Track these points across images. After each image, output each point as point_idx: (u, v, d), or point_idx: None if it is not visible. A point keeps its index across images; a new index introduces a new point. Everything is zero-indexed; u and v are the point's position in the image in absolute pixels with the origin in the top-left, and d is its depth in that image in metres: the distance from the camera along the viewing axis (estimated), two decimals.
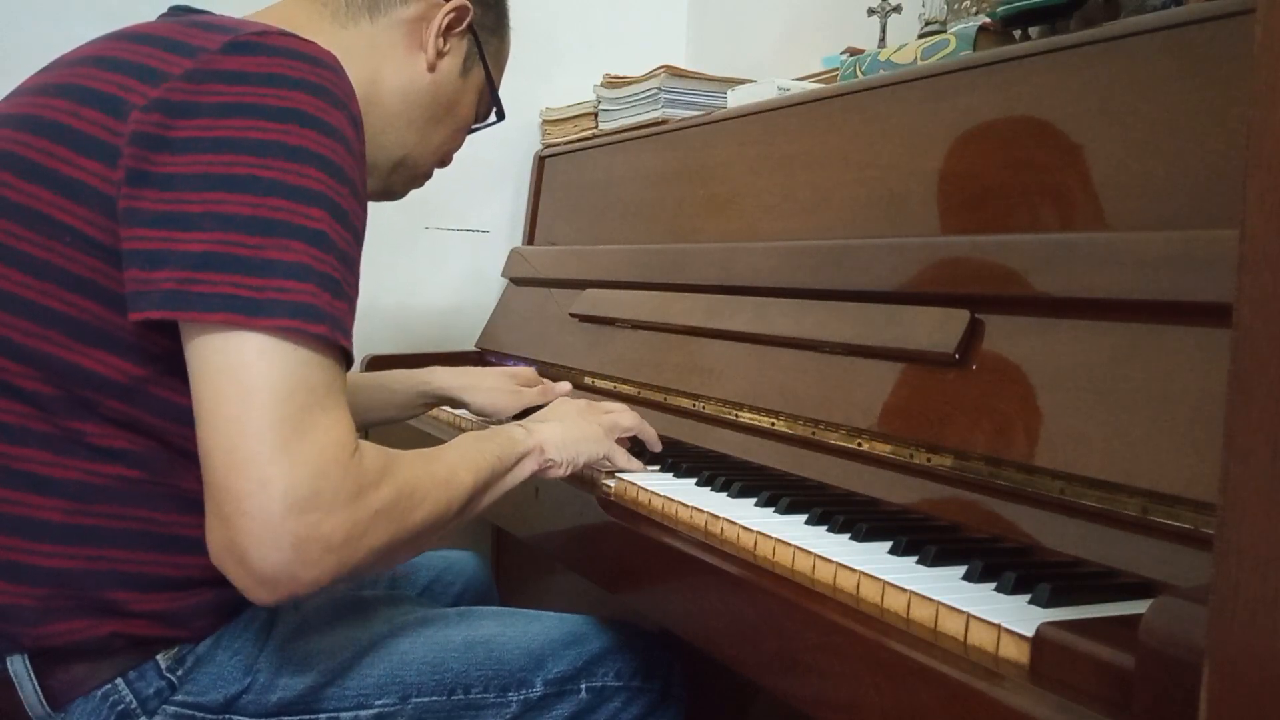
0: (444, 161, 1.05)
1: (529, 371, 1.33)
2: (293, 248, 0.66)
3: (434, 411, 1.42)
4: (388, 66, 0.93)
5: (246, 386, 0.64)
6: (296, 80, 0.69)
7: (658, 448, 1.06)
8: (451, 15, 0.95)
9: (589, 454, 0.95)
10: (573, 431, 0.94)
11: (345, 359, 0.70)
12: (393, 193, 1.03)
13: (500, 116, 1.07)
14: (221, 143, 0.67)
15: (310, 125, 0.68)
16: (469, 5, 0.96)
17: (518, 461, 0.87)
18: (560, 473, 0.93)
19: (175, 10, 0.84)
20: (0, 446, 0.71)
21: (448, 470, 0.77)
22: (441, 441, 0.83)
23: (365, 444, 0.69)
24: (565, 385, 1.30)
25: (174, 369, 0.69)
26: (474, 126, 1.06)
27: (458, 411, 1.38)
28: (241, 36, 0.70)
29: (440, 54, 0.96)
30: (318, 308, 0.65)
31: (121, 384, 0.71)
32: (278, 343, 0.64)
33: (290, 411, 0.64)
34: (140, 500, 0.73)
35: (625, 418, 1.02)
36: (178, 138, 0.67)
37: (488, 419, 1.29)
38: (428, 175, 1.05)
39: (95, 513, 0.72)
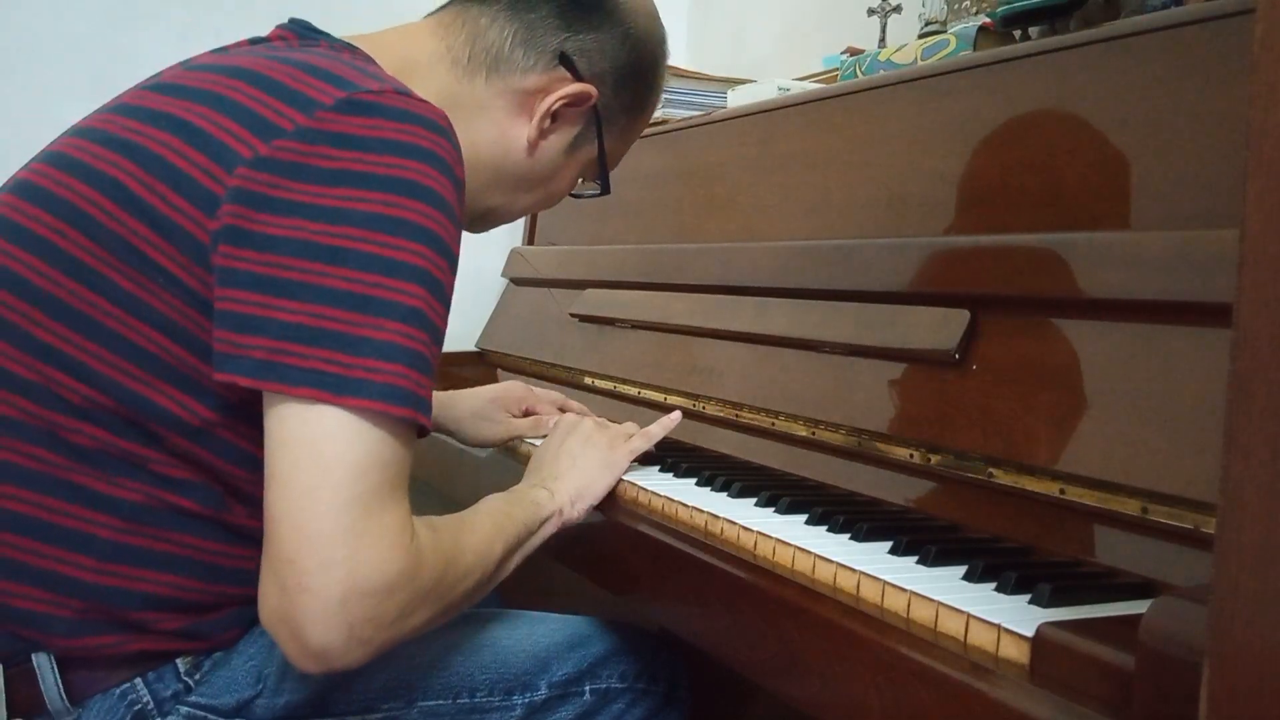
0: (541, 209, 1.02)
1: (518, 389, 1.26)
2: (387, 326, 0.66)
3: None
4: (489, 132, 0.90)
5: (324, 460, 0.64)
6: (409, 147, 0.69)
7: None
8: (567, 99, 0.90)
9: (603, 488, 0.96)
10: (585, 474, 0.95)
11: (421, 433, 0.70)
12: (479, 229, 1.01)
13: (605, 190, 1.00)
14: (326, 212, 0.66)
15: (418, 196, 0.68)
16: (593, 91, 0.91)
17: (541, 525, 0.88)
18: (580, 519, 0.93)
19: (294, 24, 0.84)
20: (65, 461, 0.71)
21: (485, 544, 0.78)
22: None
23: (415, 521, 0.69)
24: (554, 413, 1.20)
25: (244, 416, 0.70)
26: (573, 193, 1.03)
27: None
28: (358, 94, 0.69)
29: (544, 133, 0.91)
30: (404, 390, 0.65)
31: (191, 424, 0.72)
32: (360, 421, 0.64)
33: (362, 491, 0.64)
34: (189, 528, 0.74)
35: (633, 430, 1.03)
36: (283, 199, 0.67)
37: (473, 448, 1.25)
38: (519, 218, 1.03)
39: (144, 534, 0.73)
